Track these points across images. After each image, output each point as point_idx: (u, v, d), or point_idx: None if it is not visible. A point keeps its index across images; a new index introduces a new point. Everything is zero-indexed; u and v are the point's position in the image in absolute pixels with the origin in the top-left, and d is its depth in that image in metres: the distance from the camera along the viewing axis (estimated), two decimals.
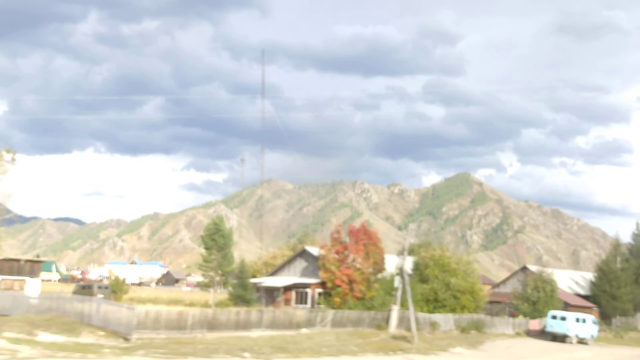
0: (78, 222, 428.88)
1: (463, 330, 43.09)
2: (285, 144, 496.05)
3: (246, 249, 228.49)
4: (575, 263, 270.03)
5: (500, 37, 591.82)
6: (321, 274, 43.33)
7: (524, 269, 63.82)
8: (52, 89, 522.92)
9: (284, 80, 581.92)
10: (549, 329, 45.76)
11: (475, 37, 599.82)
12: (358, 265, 42.27)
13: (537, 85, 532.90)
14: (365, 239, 43.31)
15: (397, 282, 38.95)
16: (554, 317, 45.60)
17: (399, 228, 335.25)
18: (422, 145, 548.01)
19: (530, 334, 47.56)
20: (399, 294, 38.79)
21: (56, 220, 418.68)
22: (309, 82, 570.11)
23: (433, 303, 43.91)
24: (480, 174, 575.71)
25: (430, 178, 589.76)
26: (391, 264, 47.17)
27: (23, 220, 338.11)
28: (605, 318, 56.79)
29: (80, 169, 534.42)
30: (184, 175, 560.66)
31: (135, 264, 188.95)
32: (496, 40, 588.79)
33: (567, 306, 51.57)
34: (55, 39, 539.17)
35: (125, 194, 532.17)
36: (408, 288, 37.22)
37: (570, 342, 44.39)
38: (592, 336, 46.09)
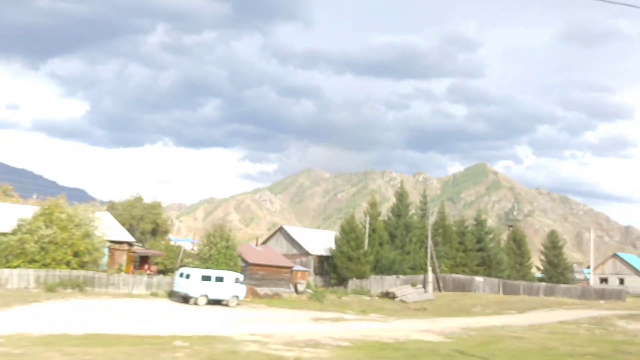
0: None
1: (50, 288, 36.25)
2: (327, 139, 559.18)
3: None
4: (579, 244, 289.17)
5: (516, 44, 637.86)
6: None
7: (281, 229, 55.05)
8: (126, 91, 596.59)
9: (325, 83, 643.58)
10: (176, 288, 37.92)
11: (494, 44, 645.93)
12: None
13: (550, 87, 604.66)
14: None
15: None
16: (181, 275, 37.70)
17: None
18: (447, 139, 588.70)
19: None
20: None
21: None
22: (347, 85, 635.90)
23: (22, 257, 37.41)
24: (500, 165, 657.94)
25: (455, 168, 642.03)
26: None
27: (101, 204, 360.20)
28: (343, 280, 48.02)
29: (151, 160, 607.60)
30: (240, 166, 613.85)
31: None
32: (513, 47, 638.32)
33: (247, 265, 43.19)
34: (129, 48, 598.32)
35: (189, 182, 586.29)
36: None
37: (196, 304, 36.55)
38: (237, 297, 37.87)
